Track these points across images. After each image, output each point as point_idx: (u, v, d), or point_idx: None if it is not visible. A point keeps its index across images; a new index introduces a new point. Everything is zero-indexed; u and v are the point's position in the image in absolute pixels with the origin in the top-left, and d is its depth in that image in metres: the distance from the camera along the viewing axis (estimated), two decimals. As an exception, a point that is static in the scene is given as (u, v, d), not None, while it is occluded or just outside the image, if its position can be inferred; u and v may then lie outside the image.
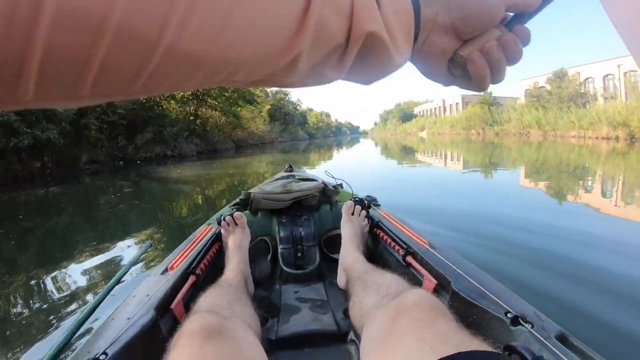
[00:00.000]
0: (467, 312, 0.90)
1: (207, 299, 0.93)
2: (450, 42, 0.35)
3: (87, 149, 14.76)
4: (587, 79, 31.02)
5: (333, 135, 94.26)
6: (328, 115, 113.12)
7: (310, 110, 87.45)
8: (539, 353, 0.67)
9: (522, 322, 0.77)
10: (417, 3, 0.31)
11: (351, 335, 1.07)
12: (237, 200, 1.85)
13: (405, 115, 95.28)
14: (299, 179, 1.99)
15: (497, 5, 0.33)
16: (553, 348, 0.68)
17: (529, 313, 0.80)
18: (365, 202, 1.65)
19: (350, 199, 1.62)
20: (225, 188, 7.72)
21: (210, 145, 23.95)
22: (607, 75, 29.65)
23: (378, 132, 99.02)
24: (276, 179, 2.13)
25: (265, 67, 0.25)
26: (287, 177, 2.15)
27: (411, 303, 0.72)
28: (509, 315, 0.80)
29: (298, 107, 66.90)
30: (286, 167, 2.62)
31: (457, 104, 62.37)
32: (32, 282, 2.73)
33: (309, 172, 2.66)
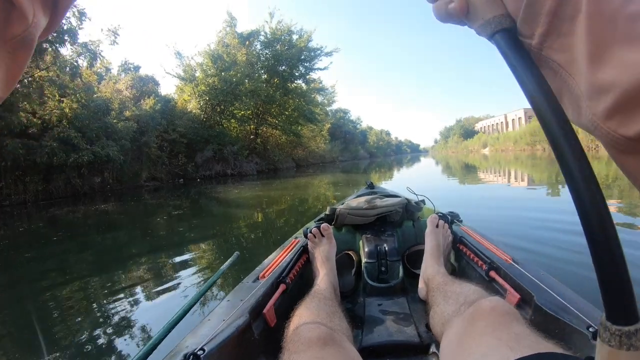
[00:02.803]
0: (549, 325, 0.92)
1: (308, 310, 0.99)
2: None
3: (147, 166, 14.85)
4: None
5: (393, 154, 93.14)
6: (388, 134, 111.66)
7: (370, 128, 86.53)
8: None
9: None
10: None
11: (433, 348, 1.07)
12: (322, 215, 1.90)
13: (466, 131, 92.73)
14: (383, 195, 2.04)
15: None
16: None
17: None
18: (449, 217, 1.70)
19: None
20: (286, 208, 7.52)
21: (270, 164, 23.67)
22: None
23: (439, 150, 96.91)
24: (359, 195, 2.26)
25: None
26: (370, 193, 2.29)
27: (487, 308, 0.78)
28: (590, 329, 0.80)
29: (358, 126, 66.33)
30: (367, 183, 2.67)
31: (519, 118, 59.74)
32: (137, 284, 3.09)
33: (388, 189, 2.70)
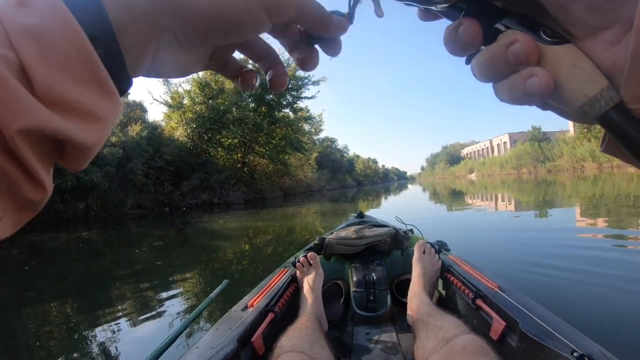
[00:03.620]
0: (535, 352, 0.95)
1: (290, 339, 1.02)
2: (196, 56, 0.29)
3: (133, 194, 14.65)
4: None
5: (380, 182, 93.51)
6: (375, 162, 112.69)
7: (357, 157, 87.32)
8: None
9: None
10: (102, 23, 0.22)
11: None
12: (311, 244, 1.95)
13: (453, 157, 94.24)
14: (371, 225, 2.07)
15: (249, 11, 0.25)
16: None
17: (595, 352, 0.83)
18: (436, 246, 1.72)
19: None
20: (274, 238, 7.49)
21: (257, 194, 23.53)
22: None
23: (426, 177, 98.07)
24: (348, 225, 2.27)
25: None
26: (359, 222, 2.29)
27: (460, 347, 0.87)
28: (575, 354, 0.83)
29: (345, 154, 66.87)
30: (356, 213, 2.68)
31: (504, 142, 60.95)
32: (115, 317, 2.92)
33: (378, 218, 2.70)
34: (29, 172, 0.20)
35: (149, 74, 0.27)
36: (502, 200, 12.18)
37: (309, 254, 1.63)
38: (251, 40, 0.33)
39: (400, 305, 1.62)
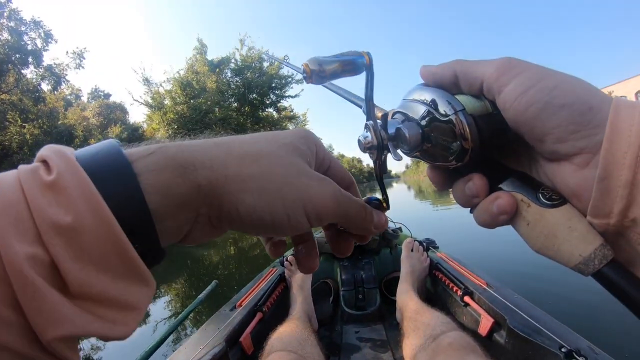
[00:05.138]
0: (523, 347, 0.96)
1: (280, 338, 1.03)
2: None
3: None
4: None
5: (366, 181, 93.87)
6: (360, 161, 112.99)
7: (342, 156, 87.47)
8: None
9: (575, 356, 0.80)
10: (140, 208, 0.20)
11: None
12: None
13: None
14: None
15: (290, 218, 0.25)
16: None
17: (583, 347, 0.83)
18: (424, 244, 1.76)
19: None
20: (259, 242, 7.18)
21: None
22: (639, 92, 28.42)
23: (410, 175, 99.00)
24: None
25: None
26: None
27: (446, 344, 0.87)
28: (563, 349, 0.83)
29: (330, 154, 66.98)
30: None
31: None
32: None
33: None
34: None
35: (182, 244, 0.26)
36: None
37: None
38: None
39: (390, 303, 1.62)
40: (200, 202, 0.23)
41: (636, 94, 28.90)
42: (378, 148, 0.32)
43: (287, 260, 1.65)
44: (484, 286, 1.30)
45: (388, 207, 0.33)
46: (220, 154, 0.24)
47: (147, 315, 3.04)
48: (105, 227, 0.18)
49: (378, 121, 0.33)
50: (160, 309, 3.13)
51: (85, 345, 2.47)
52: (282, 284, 1.63)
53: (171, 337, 1.35)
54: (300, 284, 1.52)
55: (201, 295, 1.64)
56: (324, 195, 0.25)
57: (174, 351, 1.00)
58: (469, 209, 0.31)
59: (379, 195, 0.34)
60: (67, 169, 0.19)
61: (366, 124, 0.33)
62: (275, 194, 0.24)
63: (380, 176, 0.34)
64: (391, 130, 0.32)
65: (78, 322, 0.18)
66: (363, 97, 0.33)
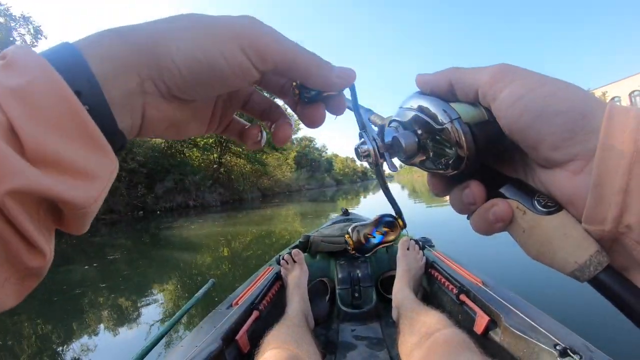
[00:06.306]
0: (518, 345, 0.97)
1: (276, 336, 1.03)
2: (181, 110, 0.28)
3: (104, 198, 14.14)
4: (613, 98, 30.07)
5: (360, 181, 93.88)
6: (353, 161, 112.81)
7: (336, 156, 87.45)
8: None
9: (570, 353, 0.80)
10: (87, 80, 0.21)
11: None
12: (297, 242, 1.95)
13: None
14: (357, 223, 1.35)
15: (225, 56, 0.24)
16: None
17: (578, 344, 0.84)
18: (420, 242, 1.75)
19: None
20: (252, 242, 7.41)
21: (235, 195, 23.19)
22: (632, 92, 28.50)
23: (404, 175, 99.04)
24: (333, 223, 2.38)
25: None
26: (344, 220, 2.42)
27: (441, 341, 0.89)
28: (557, 347, 0.84)
29: (324, 154, 66.83)
30: (342, 210, 2.72)
31: None
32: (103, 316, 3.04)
33: (363, 215, 2.75)
34: (26, 237, 0.19)
35: (146, 134, 0.27)
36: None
37: (293, 251, 1.65)
38: (254, 99, 0.34)
39: (386, 301, 1.64)
40: (139, 62, 0.23)
41: (630, 94, 29.08)
42: (375, 156, 0.32)
43: (283, 258, 1.64)
44: (480, 284, 1.31)
45: (405, 225, 0.32)
46: (151, 22, 0.25)
47: (142, 314, 3.08)
48: (54, 84, 0.20)
49: (375, 129, 0.33)
50: (156, 309, 3.13)
51: (79, 345, 2.48)
52: (278, 283, 1.63)
53: (167, 336, 1.34)
54: (297, 282, 1.52)
55: (198, 294, 1.63)
56: (258, 29, 0.25)
57: (170, 350, 0.99)
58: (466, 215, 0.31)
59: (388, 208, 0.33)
60: (18, 49, 0.21)
61: (360, 133, 0.33)
62: (205, 31, 0.24)
63: (388, 189, 0.34)
64: (388, 138, 0.32)
65: (31, 176, 0.18)
66: (354, 107, 0.34)
